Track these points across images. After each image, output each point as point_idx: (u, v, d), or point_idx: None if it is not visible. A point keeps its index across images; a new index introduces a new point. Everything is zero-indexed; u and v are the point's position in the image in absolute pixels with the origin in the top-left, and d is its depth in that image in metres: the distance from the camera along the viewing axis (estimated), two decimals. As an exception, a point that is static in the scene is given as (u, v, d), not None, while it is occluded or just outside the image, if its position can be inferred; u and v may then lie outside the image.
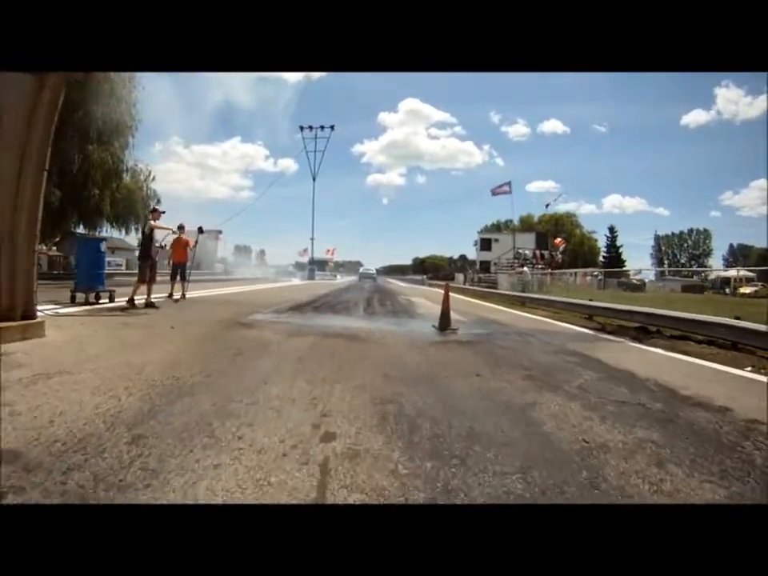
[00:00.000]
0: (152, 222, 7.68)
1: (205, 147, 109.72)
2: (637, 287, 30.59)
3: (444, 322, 5.99)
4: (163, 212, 8.14)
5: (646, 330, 6.98)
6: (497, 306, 11.99)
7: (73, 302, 7.33)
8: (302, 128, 36.60)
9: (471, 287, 22.68)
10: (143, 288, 7.43)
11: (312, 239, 37.91)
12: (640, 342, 6.09)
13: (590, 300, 9.75)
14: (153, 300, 7.36)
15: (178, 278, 9.27)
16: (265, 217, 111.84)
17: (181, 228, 9.78)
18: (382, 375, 3.29)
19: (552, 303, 10.92)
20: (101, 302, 7.42)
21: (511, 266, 25.52)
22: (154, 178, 24.17)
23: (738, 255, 70.34)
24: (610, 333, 6.97)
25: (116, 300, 7.49)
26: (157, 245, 7.70)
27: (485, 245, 42.75)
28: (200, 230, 9.90)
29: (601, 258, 55.04)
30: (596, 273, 26.11)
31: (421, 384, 3.10)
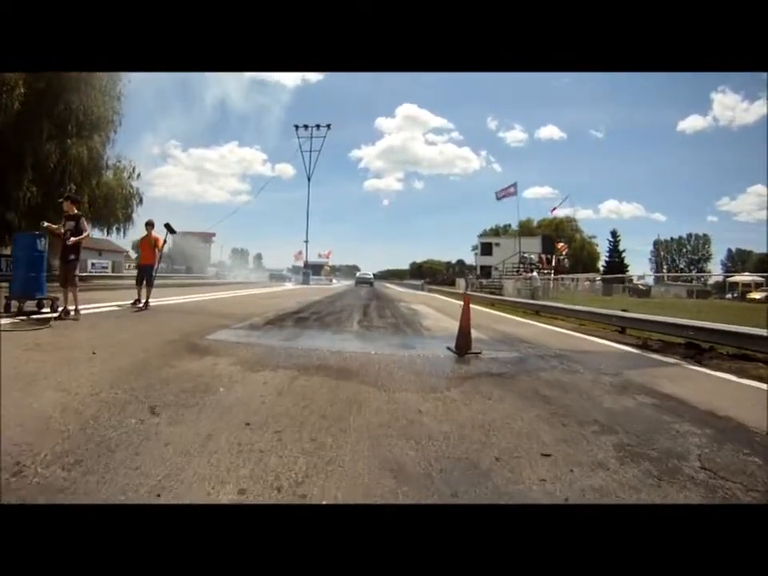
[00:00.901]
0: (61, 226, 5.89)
1: (203, 151, 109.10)
2: (643, 292, 29.89)
3: (464, 344, 4.57)
4: (75, 198, 6.30)
5: (697, 346, 5.92)
6: (510, 316, 10.52)
7: (6, 311, 5.88)
8: (296, 127, 35.07)
9: (475, 293, 21.28)
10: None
11: (306, 242, 36.10)
12: (699, 363, 5.00)
13: (624, 310, 8.36)
14: (81, 308, 5.87)
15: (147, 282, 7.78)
16: (263, 220, 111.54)
17: (149, 225, 8.35)
18: (387, 469, 1.84)
19: (575, 313, 9.50)
20: (43, 311, 5.96)
21: (517, 271, 24.12)
22: (138, 176, 22.72)
23: (737, 260, 70.21)
24: (656, 351, 5.84)
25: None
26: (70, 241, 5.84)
27: (485, 249, 41.24)
28: (168, 228, 8.41)
29: (602, 263, 53.93)
30: (598, 278, 25.04)
31: (464, 491, 1.66)
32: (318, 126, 34.36)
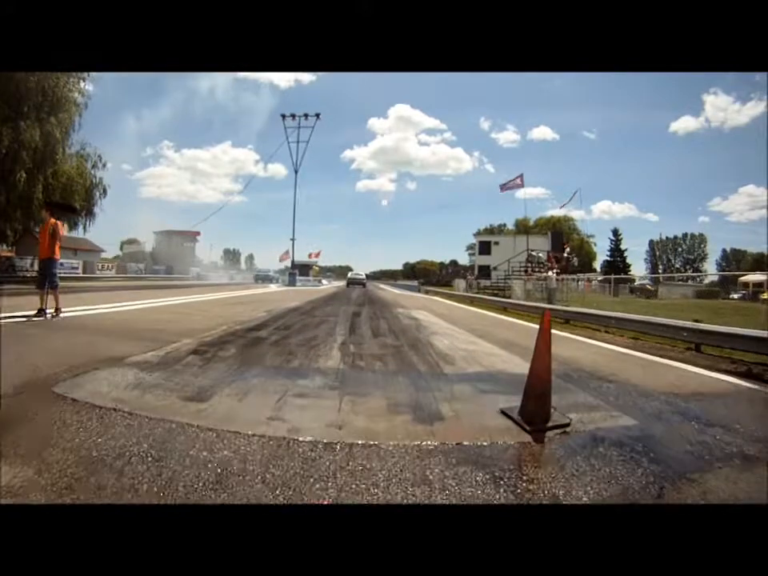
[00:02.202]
0: None
1: (195, 151, 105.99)
2: (651, 293, 28.08)
3: (539, 410, 2.34)
4: None
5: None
6: (536, 326, 8.27)
7: None
8: (283, 116, 32.62)
9: (476, 296, 19.08)
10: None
11: (293, 240, 33.85)
12: None
13: (697, 321, 6.22)
14: None
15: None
16: (257, 221, 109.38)
17: (46, 210, 6.14)
18: None
19: (625, 323, 7.33)
20: None
21: (525, 271, 21.97)
22: (104, 165, 20.24)
23: (732, 259, 69.63)
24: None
25: None
26: None
27: (484, 248, 39.21)
28: (60, 207, 6.15)
29: (602, 263, 52.26)
30: (600, 278, 23.24)
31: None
32: (306, 116, 31.93)
